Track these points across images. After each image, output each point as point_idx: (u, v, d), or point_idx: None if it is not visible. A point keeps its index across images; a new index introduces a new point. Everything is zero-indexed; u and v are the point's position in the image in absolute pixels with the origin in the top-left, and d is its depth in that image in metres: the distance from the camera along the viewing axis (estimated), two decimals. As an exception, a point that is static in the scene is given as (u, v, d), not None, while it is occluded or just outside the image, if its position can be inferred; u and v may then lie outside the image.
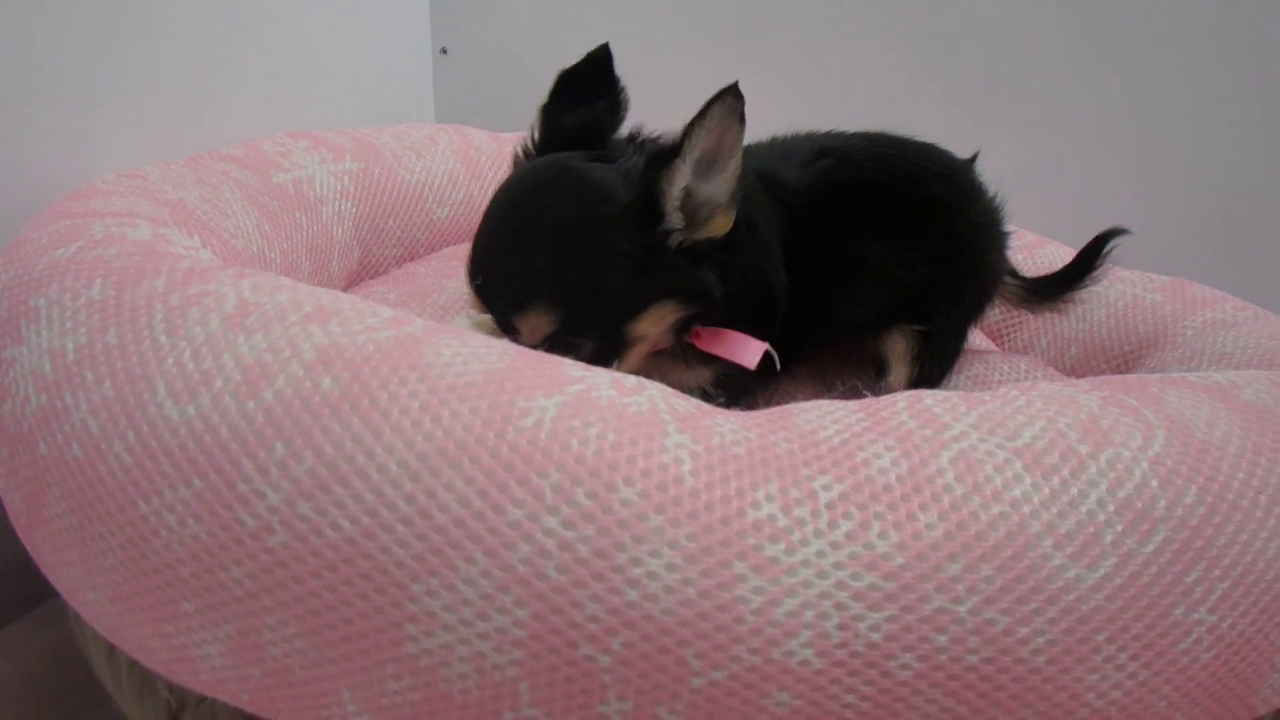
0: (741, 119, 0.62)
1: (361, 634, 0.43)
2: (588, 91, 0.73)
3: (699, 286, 0.69)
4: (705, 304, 0.70)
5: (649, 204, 0.66)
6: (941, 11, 1.29)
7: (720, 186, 0.66)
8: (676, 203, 0.66)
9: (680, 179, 0.65)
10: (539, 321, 0.67)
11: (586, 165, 0.70)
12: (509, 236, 0.69)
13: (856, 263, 0.82)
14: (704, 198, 0.66)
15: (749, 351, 0.71)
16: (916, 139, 0.89)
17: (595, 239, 0.66)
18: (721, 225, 0.67)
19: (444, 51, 1.55)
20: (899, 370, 0.88)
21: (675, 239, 0.67)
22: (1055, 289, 0.99)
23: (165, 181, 0.79)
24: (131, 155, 0.95)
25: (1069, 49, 1.25)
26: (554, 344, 0.67)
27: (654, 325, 0.70)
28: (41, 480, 0.50)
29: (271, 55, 1.20)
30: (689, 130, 0.62)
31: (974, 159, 0.92)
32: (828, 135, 0.88)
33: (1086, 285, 0.97)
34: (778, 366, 0.73)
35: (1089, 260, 0.97)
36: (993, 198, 0.91)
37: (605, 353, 0.69)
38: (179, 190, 0.78)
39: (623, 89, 0.73)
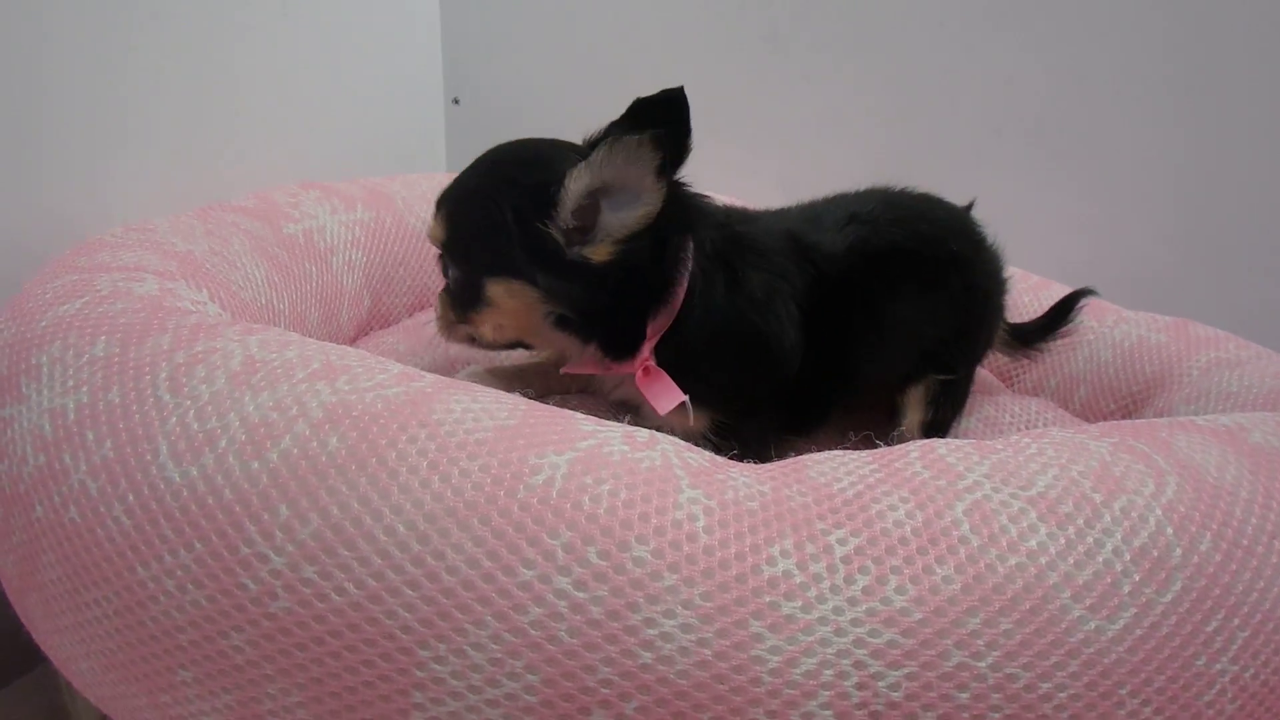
0: (659, 171, 0.65)
1: (367, 703, 0.41)
2: (656, 124, 0.72)
3: (553, 288, 0.72)
4: (572, 307, 0.73)
5: (546, 189, 0.69)
6: (944, 56, 1.30)
7: (622, 222, 0.68)
8: (572, 205, 0.68)
9: (578, 182, 0.67)
10: (436, 228, 0.76)
11: (562, 148, 0.74)
12: (469, 166, 0.78)
13: (889, 324, 0.84)
14: (605, 222, 0.69)
15: (665, 398, 0.72)
16: (917, 191, 0.92)
17: (494, 190, 0.73)
18: (600, 253, 0.69)
19: (456, 101, 1.57)
20: (914, 416, 0.89)
21: (559, 237, 0.70)
22: (1032, 337, 1.04)
23: (175, 234, 0.79)
24: (144, 205, 0.95)
25: (1070, 89, 1.26)
26: (441, 259, 0.78)
27: (510, 298, 0.74)
28: (37, 544, 0.49)
29: (286, 106, 1.21)
30: (596, 144, 0.67)
31: (970, 206, 0.95)
32: (848, 199, 0.90)
33: (1059, 338, 1.03)
34: (690, 421, 0.74)
35: (1062, 315, 1.03)
36: (994, 243, 0.94)
37: (463, 294, 0.76)
38: (188, 243, 0.78)
39: (688, 133, 0.73)
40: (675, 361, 0.74)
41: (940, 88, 1.32)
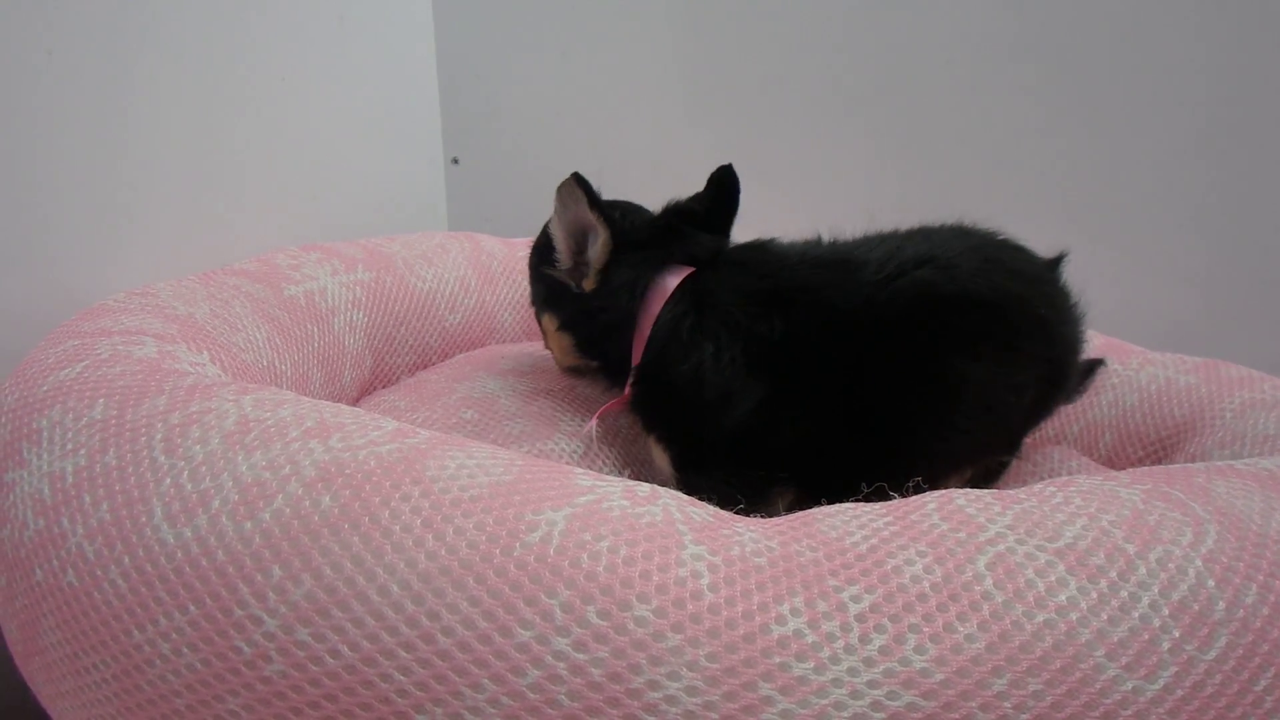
0: (591, 204, 0.79)
1: (363, 769, 0.40)
2: (724, 188, 0.90)
3: (565, 319, 0.88)
4: (579, 334, 0.88)
5: (549, 241, 0.86)
6: (946, 100, 1.31)
7: (596, 253, 0.82)
8: (561, 249, 0.84)
9: (554, 229, 0.83)
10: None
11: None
12: None
13: (954, 385, 0.73)
14: (589, 257, 0.83)
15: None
16: (1003, 239, 0.81)
17: (537, 246, 0.92)
18: (589, 284, 0.83)
19: (455, 161, 1.59)
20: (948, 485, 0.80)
21: (563, 278, 0.85)
22: None
23: (176, 298, 0.80)
24: (147, 272, 0.97)
25: (1074, 130, 1.25)
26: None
27: (549, 325, 0.91)
28: (37, 608, 0.49)
29: (286, 169, 1.23)
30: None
31: (1059, 261, 0.83)
32: (915, 236, 0.80)
33: None
34: (592, 434, 0.85)
35: None
36: (1078, 308, 0.82)
37: (540, 322, 0.94)
38: (189, 306, 0.79)
39: (730, 198, 0.90)
40: (636, 392, 0.82)
41: (954, 129, 1.32)
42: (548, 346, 0.96)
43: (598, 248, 0.81)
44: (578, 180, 0.78)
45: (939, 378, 0.72)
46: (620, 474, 0.83)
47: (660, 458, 0.79)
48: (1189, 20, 1.16)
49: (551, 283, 0.87)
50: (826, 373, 0.73)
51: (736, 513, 0.53)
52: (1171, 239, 1.24)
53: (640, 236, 0.84)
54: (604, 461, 0.85)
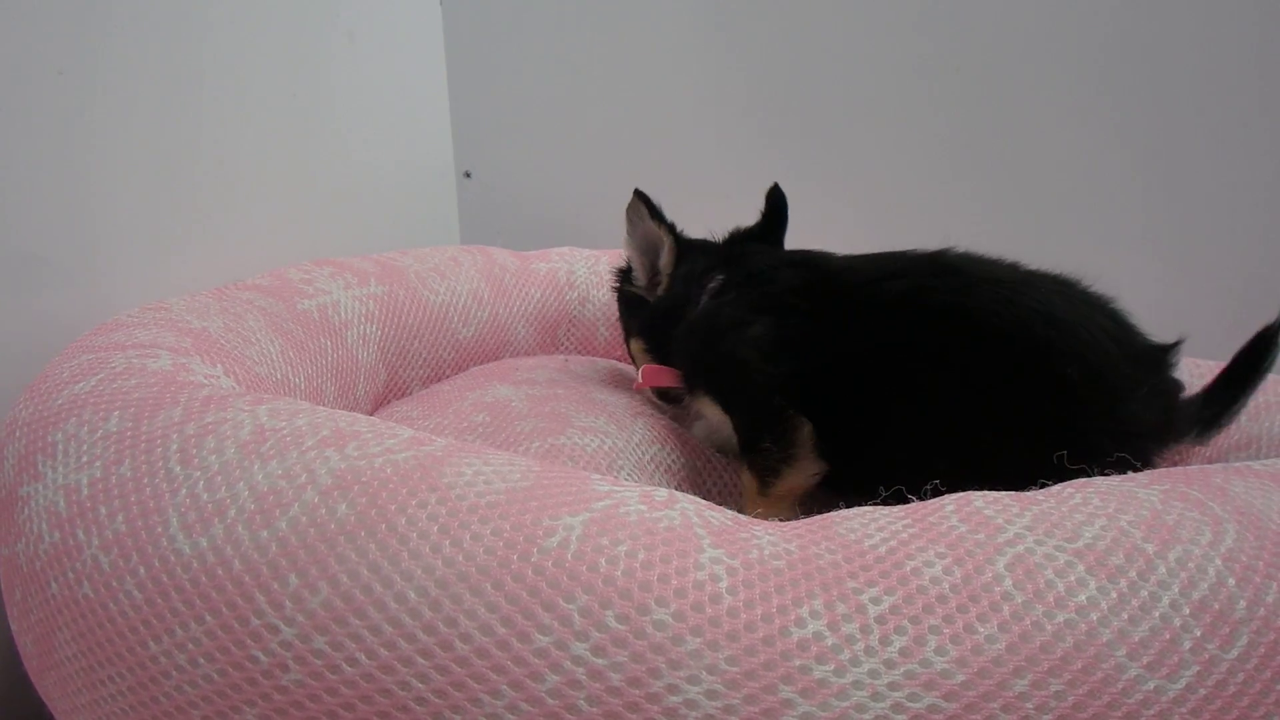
0: (650, 217, 0.91)
1: (382, 778, 0.40)
2: (772, 205, 1.01)
3: (642, 328, 0.98)
4: (650, 338, 0.96)
5: (628, 263, 0.99)
6: (969, 109, 1.31)
7: (665, 261, 0.94)
8: (636, 266, 0.96)
9: (627, 249, 0.95)
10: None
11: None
12: None
13: (922, 390, 0.70)
14: (659, 269, 0.94)
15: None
16: (1107, 305, 0.75)
17: (615, 274, 1.04)
18: (664, 288, 0.94)
19: (467, 175, 1.60)
20: None
21: (640, 293, 0.97)
22: (1213, 411, 0.75)
23: (190, 312, 0.80)
24: (160, 287, 0.97)
25: (1099, 136, 1.25)
26: None
27: (637, 347, 0.99)
28: (52, 621, 0.49)
29: (298, 185, 1.24)
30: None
31: (1172, 347, 0.73)
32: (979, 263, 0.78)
33: (1241, 403, 0.75)
34: (637, 383, 0.95)
35: (1250, 370, 0.75)
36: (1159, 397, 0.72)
37: (631, 354, 1.03)
38: (203, 320, 0.79)
39: (778, 213, 1.00)
40: (680, 354, 0.90)
41: (960, 146, 1.32)
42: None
43: (665, 255, 0.93)
44: (640, 196, 0.88)
45: (910, 376, 0.71)
46: (637, 472, 0.84)
47: (710, 408, 0.85)
48: (1241, 30, 1.16)
49: (630, 299, 0.99)
50: (818, 330, 0.79)
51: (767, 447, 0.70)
52: (1183, 245, 1.24)
53: (699, 243, 0.96)
54: (622, 459, 0.84)
